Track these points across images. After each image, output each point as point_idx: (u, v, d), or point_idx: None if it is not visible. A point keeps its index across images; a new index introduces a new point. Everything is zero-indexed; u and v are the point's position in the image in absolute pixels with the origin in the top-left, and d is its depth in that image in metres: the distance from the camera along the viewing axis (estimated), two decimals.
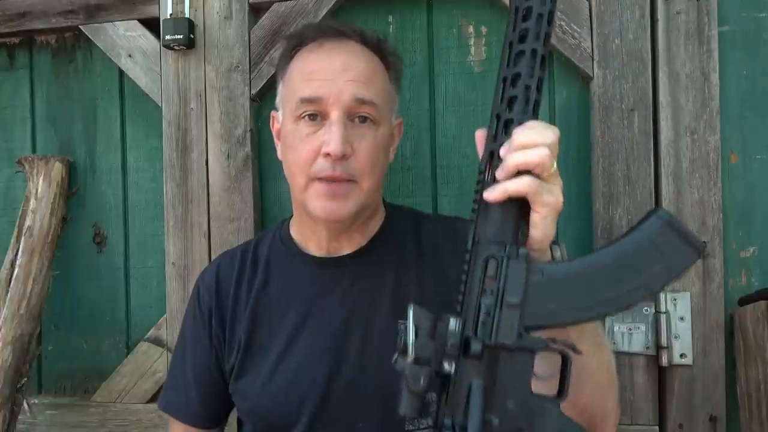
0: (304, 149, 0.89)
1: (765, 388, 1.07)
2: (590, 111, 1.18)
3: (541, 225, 0.65)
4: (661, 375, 1.14)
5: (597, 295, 0.66)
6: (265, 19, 1.29)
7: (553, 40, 1.17)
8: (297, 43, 0.95)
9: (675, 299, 1.12)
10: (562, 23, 1.17)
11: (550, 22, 0.68)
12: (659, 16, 1.14)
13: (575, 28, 1.17)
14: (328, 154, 0.87)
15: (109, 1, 1.35)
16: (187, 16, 1.28)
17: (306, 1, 1.26)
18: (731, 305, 1.14)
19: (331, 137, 0.86)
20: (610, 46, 1.15)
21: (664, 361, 1.11)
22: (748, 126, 1.16)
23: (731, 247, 1.15)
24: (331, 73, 0.89)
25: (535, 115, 0.67)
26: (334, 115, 0.87)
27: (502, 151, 0.65)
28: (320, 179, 0.88)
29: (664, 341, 1.11)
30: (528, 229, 0.66)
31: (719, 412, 1.11)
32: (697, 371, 1.12)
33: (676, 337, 1.11)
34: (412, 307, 0.65)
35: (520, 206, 0.66)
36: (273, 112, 1.02)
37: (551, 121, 1.24)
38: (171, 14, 1.29)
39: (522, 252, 0.66)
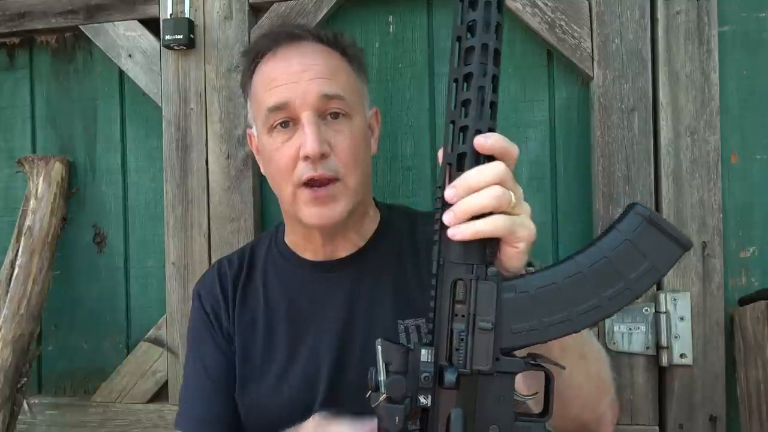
0: (283, 158, 0.88)
1: (765, 388, 1.07)
2: (590, 111, 1.18)
3: (517, 259, 0.62)
4: (661, 375, 1.14)
5: (576, 306, 0.62)
6: (265, 19, 1.28)
7: (553, 40, 1.17)
8: (254, 56, 0.95)
9: (675, 299, 1.12)
10: (562, 23, 1.17)
11: (500, 9, 0.62)
12: (659, 16, 1.14)
13: (575, 28, 1.17)
14: (307, 157, 0.85)
15: (109, 1, 1.35)
16: (187, 16, 1.28)
17: (306, 1, 1.26)
18: (731, 305, 1.14)
19: (306, 139, 0.85)
20: (610, 46, 1.15)
21: (664, 361, 1.11)
22: (748, 126, 1.16)
23: (731, 247, 1.15)
24: (292, 76, 0.88)
25: (493, 119, 0.62)
26: (305, 116, 0.86)
27: (447, 194, 0.60)
28: (305, 184, 0.87)
29: (664, 341, 1.11)
30: (498, 249, 0.62)
31: (719, 412, 1.11)
32: (697, 371, 1.11)
33: (676, 337, 1.11)
34: (380, 343, 0.63)
35: None
36: (248, 131, 1.01)
37: (551, 121, 1.24)
38: (171, 14, 1.29)
39: (491, 271, 0.62)
